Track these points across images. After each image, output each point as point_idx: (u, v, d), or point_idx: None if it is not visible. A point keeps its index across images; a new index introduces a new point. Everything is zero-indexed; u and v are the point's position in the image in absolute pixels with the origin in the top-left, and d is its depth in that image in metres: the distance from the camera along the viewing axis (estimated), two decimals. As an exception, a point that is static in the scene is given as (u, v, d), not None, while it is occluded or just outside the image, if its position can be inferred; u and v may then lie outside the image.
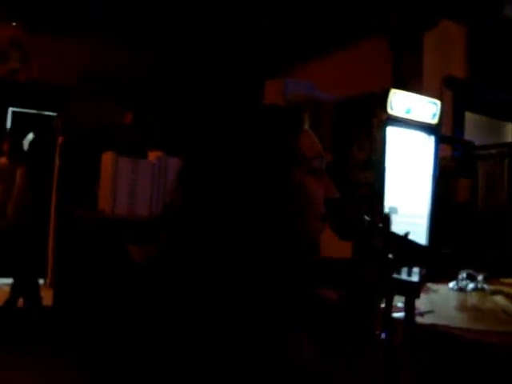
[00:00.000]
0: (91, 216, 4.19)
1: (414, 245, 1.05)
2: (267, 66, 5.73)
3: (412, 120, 3.60)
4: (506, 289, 2.54)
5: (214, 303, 0.85)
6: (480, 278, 2.56)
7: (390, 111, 3.44)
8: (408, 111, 3.56)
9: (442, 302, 2.30)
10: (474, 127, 5.16)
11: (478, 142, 4.69)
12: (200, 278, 0.88)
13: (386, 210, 3.44)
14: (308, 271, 1.02)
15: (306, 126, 1.04)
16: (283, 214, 0.92)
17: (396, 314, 1.87)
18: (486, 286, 2.55)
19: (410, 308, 1.88)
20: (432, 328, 1.89)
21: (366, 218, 1.01)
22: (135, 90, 6.92)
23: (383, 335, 1.01)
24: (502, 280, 2.78)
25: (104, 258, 3.79)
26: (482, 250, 3.68)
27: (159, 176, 4.04)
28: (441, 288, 2.61)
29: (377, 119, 3.49)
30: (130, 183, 3.95)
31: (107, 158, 4.08)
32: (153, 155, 4.31)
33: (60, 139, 6.57)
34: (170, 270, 0.94)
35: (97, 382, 3.53)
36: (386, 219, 1.02)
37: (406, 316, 1.86)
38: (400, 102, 3.50)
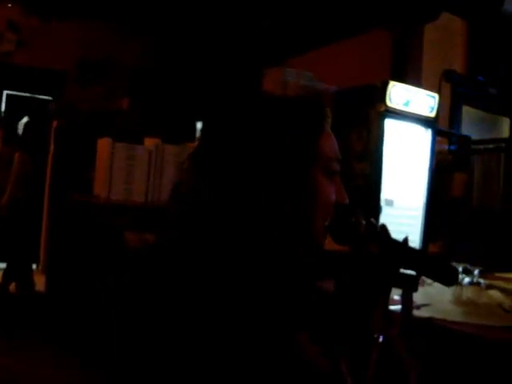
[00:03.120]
0: (86, 201, 4.17)
1: (411, 251, 1.03)
2: (266, 56, 5.69)
3: (410, 113, 3.60)
4: (501, 283, 2.55)
5: (208, 300, 0.83)
6: (476, 272, 2.56)
7: (388, 103, 3.43)
8: (406, 104, 3.55)
9: (438, 295, 2.30)
10: (471, 121, 5.17)
11: (475, 137, 4.69)
12: (197, 275, 0.86)
13: (382, 202, 3.44)
14: (310, 267, 1.01)
15: (329, 123, 1.01)
16: (279, 215, 0.90)
17: (393, 307, 1.87)
18: (481, 280, 2.55)
19: (407, 301, 1.87)
20: (429, 321, 1.90)
21: (363, 221, 0.99)
22: (132, 75, 6.87)
23: (381, 338, 0.98)
24: (498, 274, 2.79)
25: (98, 244, 3.78)
26: (478, 245, 3.69)
27: (156, 163, 4.02)
28: (436, 281, 2.61)
29: (375, 111, 3.48)
30: (126, 169, 3.94)
31: (103, 143, 4.06)
32: (149, 142, 4.30)
33: (55, 124, 6.52)
34: (172, 260, 0.92)
35: (87, 369, 3.53)
36: (384, 226, 1.00)
37: (403, 309, 1.86)
38: (399, 94, 3.50)
